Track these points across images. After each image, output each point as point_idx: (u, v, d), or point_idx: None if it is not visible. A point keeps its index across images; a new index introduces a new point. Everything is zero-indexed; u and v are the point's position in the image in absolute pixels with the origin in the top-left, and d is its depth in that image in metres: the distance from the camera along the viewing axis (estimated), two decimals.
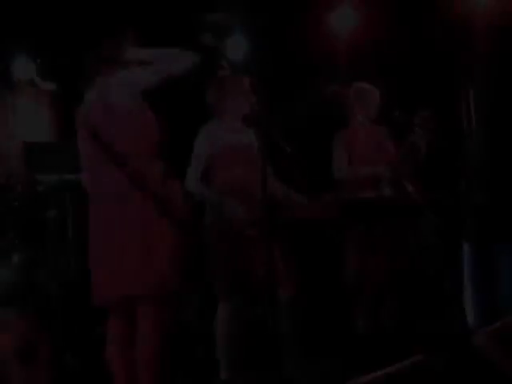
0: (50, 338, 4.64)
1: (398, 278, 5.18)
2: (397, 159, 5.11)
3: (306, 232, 6.11)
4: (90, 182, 3.78)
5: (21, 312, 5.07)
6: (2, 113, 7.23)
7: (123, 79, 3.72)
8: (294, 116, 4.85)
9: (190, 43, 4.06)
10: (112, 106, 3.67)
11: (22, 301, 5.52)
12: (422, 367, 2.43)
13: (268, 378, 4.58)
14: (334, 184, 5.37)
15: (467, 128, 6.67)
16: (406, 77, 6.86)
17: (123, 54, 3.79)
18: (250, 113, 3.40)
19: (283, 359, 4.26)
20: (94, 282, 3.74)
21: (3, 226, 5.66)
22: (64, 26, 6.16)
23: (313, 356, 4.95)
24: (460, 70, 6.74)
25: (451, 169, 5.03)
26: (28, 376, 4.37)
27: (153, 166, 3.72)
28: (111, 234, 3.66)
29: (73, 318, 5.46)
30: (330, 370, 4.95)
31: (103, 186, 3.71)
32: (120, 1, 5.96)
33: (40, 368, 4.51)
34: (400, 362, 2.38)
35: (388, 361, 2.91)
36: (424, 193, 4.52)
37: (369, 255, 4.64)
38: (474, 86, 6.64)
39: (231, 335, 4.64)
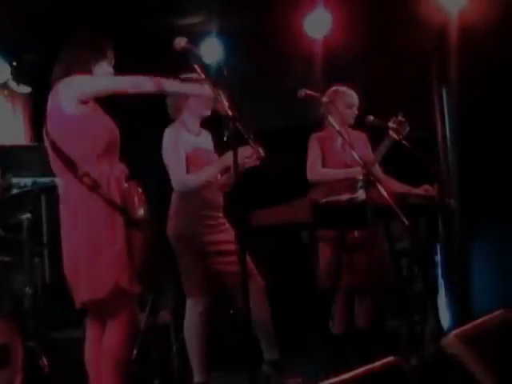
0: (24, 340, 4.63)
1: (371, 279, 5.22)
2: (371, 162, 5.14)
3: (281, 235, 6.15)
4: (58, 184, 3.84)
5: None
6: None
7: (71, 84, 3.73)
8: (268, 118, 4.86)
9: (164, 48, 4.07)
10: (61, 110, 3.69)
11: None
12: (393, 368, 2.45)
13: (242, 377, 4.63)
14: (307, 187, 5.40)
15: (440, 131, 6.74)
16: (379, 81, 6.89)
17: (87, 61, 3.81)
18: (213, 115, 3.44)
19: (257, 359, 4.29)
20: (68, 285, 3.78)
21: None
22: (40, 28, 6.13)
23: (287, 355, 4.98)
24: (433, 74, 6.79)
25: (424, 171, 5.06)
26: (1, 379, 4.36)
27: (107, 168, 3.71)
28: (68, 237, 3.72)
29: (48, 320, 5.45)
30: (303, 369, 4.98)
31: (62, 189, 3.78)
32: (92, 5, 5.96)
33: (14, 371, 4.50)
34: (371, 363, 2.40)
35: (360, 362, 2.94)
36: (397, 195, 4.53)
37: (343, 256, 4.66)
38: (447, 90, 6.70)
39: (202, 335, 4.67)
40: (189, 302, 4.78)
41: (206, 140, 4.88)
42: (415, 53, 6.70)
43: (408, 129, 5.26)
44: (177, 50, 3.76)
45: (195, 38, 6.32)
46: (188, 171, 4.71)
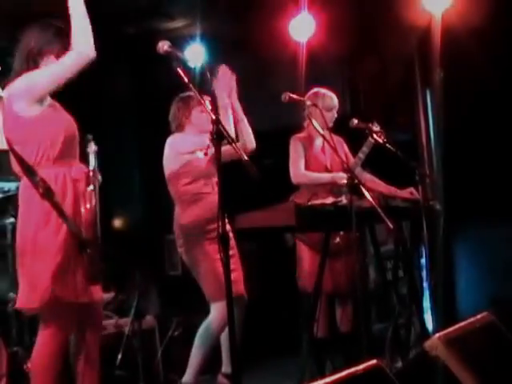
0: (7, 345, 4.62)
1: (354, 282, 5.24)
2: (352, 166, 5.16)
3: (265, 238, 6.17)
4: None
5: None
6: None
7: (20, 84, 3.66)
8: (251, 122, 4.87)
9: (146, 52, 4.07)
10: (14, 113, 3.64)
11: None
12: (376, 371, 2.46)
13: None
14: (290, 190, 5.41)
15: (424, 134, 6.77)
16: (363, 83, 6.92)
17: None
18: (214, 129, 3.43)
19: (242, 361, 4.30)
20: None
21: None
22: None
23: (272, 359, 4.99)
24: (417, 76, 6.82)
25: (407, 174, 5.08)
26: None
27: (64, 170, 3.67)
28: (20, 245, 3.70)
29: (32, 325, 5.43)
30: (287, 372, 5.00)
31: (20, 191, 3.76)
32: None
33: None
34: (354, 366, 2.42)
35: (344, 365, 2.94)
36: (381, 198, 4.55)
37: (326, 260, 4.67)
38: (431, 92, 6.73)
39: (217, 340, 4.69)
40: (215, 306, 4.70)
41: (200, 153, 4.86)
42: (399, 55, 6.73)
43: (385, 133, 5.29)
44: (160, 54, 3.75)
45: (179, 42, 6.34)
46: (183, 181, 4.77)
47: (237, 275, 4.67)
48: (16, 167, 3.71)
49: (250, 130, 4.82)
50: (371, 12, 6.57)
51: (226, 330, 4.53)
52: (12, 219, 5.52)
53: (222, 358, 4.83)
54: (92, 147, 4.32)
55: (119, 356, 5.17)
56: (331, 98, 5.46)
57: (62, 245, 3.55)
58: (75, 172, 3.71)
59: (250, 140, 4.83)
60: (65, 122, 3.75)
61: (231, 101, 4.72)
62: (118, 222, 7.84)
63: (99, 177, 4.09)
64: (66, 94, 3.73)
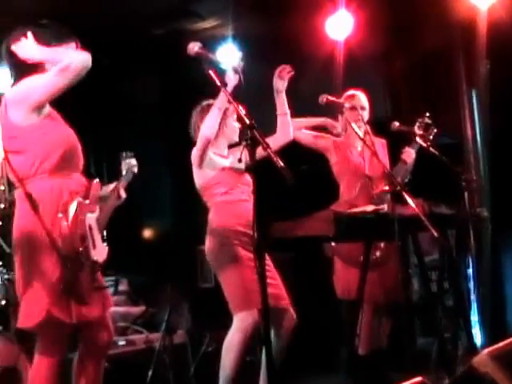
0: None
1: (398, 295, 5.21)
2: (394, 171, 5.15)
3: (304, 249, 6.16)
4: None
5: (3, 335, 5.10)
6: None
7: (18, 91, 3.63)
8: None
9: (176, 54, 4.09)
10: (9, 121, 3.61)
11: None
12: None
13: None
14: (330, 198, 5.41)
15: (470, 137, 6.71)
16: (404, 83, 6.88)
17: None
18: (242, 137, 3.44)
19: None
20: None
21: None
22: None
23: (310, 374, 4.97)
24: (461, 75, 6.76)
25: (453, 179, 5.05)
26: None
27: (61, 182, 3.64)
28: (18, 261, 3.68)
29: None
30: None
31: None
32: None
33: None
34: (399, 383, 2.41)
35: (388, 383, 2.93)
36: (425, 206, 4.53)
37: (367, 272, 4.65)
38: (477, 91, 6.67)
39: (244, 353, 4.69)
40: (236, 318, 4.74)
41: (234, 161, 4.89)
42: (441, 52, 6.68)
43: (434, 132, 5.27)
44: (190, 56, 3.76)
45: (210, 43, 6.37)
46: (216, 191, 4.81)
47: (275, 287, 4.67)
48: (11, 177, 3.69)
49: (290, 124, 4.92)
50: (411, 7, 6.53)
51: (276, 352, 4.58)
52: None
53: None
54: (130, 162, 4.36)
55: (149, 373, 5.20)
56: (360, 99, 5.48)
57: (54, 266, 3.54)
58: (74, 184, 3.70)
59: (289, 131, 4.92)
60: (63, 134, 3.71)
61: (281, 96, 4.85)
62: (147, 234, 7.88)
63: (123, 193, 4.13)
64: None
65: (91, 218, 3.72)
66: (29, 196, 3.53)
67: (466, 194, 5.05)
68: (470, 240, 5.15)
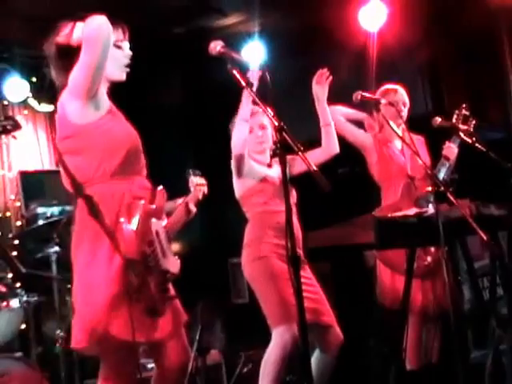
0: None
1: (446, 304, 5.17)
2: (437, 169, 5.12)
3: (342, 258, 6.13)
4: None
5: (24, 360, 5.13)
6: None
7: (67, 88, 3.52)
8: (317, 128, 4.88)
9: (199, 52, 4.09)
10: (66, 119, 3.51)
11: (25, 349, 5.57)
12: None
13: None
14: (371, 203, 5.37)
15: None
16: (444, 74, 6.82)
17: None
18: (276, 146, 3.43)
19: None
20: None
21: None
22: None
23: None
24: (507, 62, 6.70)
25: (502, 177, 5.01)
26: None
27: (123, 187, 3.53)
28: (73, 269, 3.53)
29: (82, 367, 5.50)
30: None
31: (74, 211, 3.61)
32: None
33: None
34: None
35: None
36: (472, 207, 4.48)
37: (411, 280, 4.62)
38: None
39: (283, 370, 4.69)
40: (275, 333, 4.73)
41: (278, 170, 4.90)
42: (485, 38, 6.62)
43: (473, 124, 5.23)
44: (213, 55, 3.76)
45: (235, 40, 6.37)
46: (255, 201, 4.87)
47: (315, 301, 4.67)
48: (66, 183, 3.57)
49: (335, 135, 4.96)
50: None
51: (321, 374, 4.63)
52: (56, 248, 5.61)
53: None
54: (199, 181, 4.38)
55: None
56: (402, 94, 5.44)
57: (114, 276, 3.37)
58: (137, 188, 3.56)
59: (334, 144, 4.96)
60: (125, 133, 3.60)
61: (322, 105, 4.88)
62: (176, 247, 7.88)
63: (193, 207, 4.15)
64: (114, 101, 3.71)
65: (158, 224, 3.59)
66: (89, 199, 3.40)
67: None
68: None
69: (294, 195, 4.79)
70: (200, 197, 4.34)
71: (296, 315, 4.31)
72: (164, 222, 3.69)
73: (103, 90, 3.58)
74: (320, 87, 4.81)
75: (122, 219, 3.43)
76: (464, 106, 5.29)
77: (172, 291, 3.66)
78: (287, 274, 4.48)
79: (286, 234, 3.43)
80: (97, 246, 3.42)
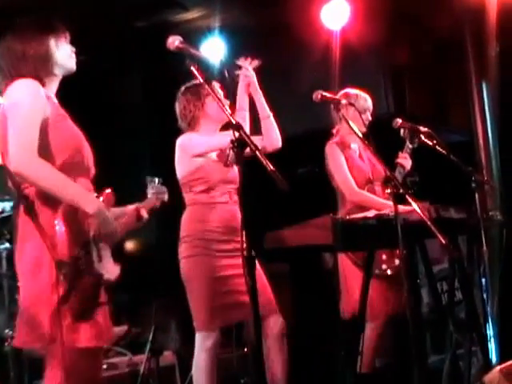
0: None
1: (405, 308, 5.20)
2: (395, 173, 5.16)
3: (301, 259, 6.15)
4: None
5: None
6: None
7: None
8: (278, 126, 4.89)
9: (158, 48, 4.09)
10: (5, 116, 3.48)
11: None
12: None
13: None
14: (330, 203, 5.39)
15: (481, 133, 6.71)
16: (406, 75, 6.87)
17: None
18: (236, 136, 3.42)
19: None
20: None
21: None
22: None
23: None
24: (470, 66, 6.76)
25: (463, 180, 5.06)
26: None
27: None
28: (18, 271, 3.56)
29: (32, 366, 5.46)
30: None
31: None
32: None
33: None
34: None
35: None
36: (432, 210, 4.52)
37: (369, 283, 4.65)
38: (487, 84, 6.68)
39: (212, 376, 4.70)
40: (198, 337, 4.76)
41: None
42: (448, 43, 6.68)
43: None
44: (171, 51, 3.75)
45: (195, 35, 6.37)
46: (197, 188, 4.82)
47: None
48: (9, 182, 3.52)
49: (275, 128, 4.91)
50: None
51: (272, 366, 4.65)
52: (7, 244, 5.57)
53: None
54: (160, 189, 4.37)
55: None
56: (365, 99, 5.47)
57: (51, 271, 3.36)
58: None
59: (275, 137, 4.91)
60: (70, 134, 3.59)
61: (256, 97, 4.83)
62: (129, 246, 7.86)
63: (144, 214, 4.09)
64: (72, 97, 3.68)
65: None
66: (25, 199, 3.41)
67: (477, 196, 5.04)
68: (482, 246, 5.14)
69: (236, 182, 4.68)
70: (158, 204, 4.33)
71: (221, 320, 4.63)
72: None
73: (53, 89, 3.62)
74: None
75: (56, 220, 3.41)
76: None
77: (103, 297, 3.56)
78: (220, 273, 4.57)
79: (241, 232, 3.42)
80: (34, 249, 3.42)
